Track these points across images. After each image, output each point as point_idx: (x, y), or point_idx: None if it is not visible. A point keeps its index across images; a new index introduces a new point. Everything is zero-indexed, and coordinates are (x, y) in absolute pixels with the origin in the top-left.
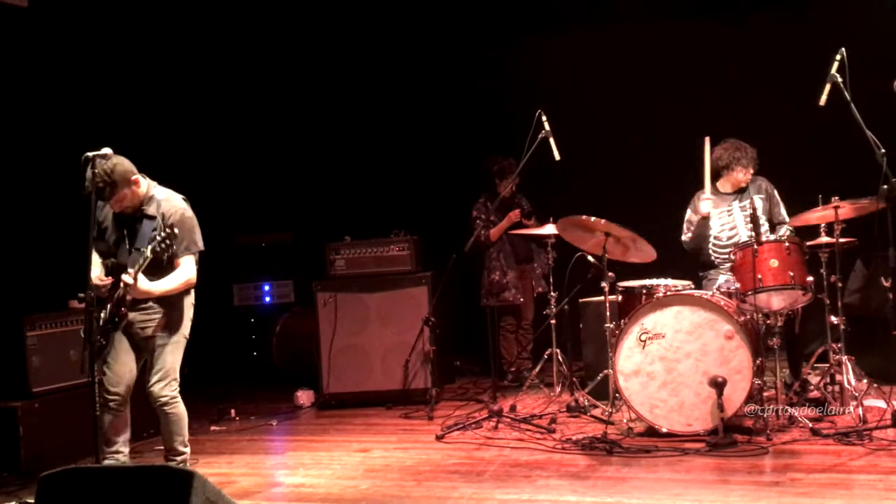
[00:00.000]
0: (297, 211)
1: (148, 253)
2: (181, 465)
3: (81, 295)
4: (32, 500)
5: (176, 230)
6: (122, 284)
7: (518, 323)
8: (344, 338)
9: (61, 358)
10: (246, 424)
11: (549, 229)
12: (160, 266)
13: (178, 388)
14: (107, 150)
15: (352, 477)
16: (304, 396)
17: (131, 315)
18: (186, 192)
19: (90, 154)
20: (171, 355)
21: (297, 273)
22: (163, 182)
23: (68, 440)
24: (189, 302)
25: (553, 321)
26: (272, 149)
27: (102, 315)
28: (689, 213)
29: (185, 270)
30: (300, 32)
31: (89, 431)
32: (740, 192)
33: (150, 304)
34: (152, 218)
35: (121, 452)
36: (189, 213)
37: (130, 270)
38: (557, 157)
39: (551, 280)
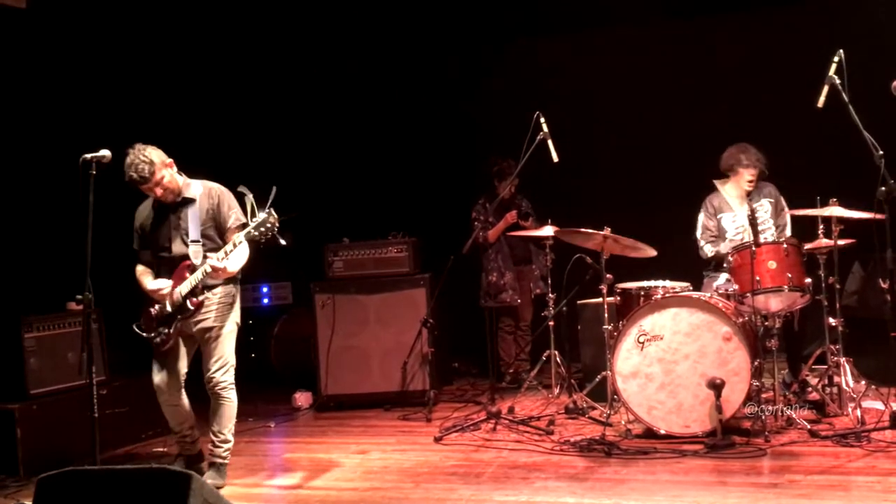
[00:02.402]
0: (296, 212)
1: (241, 238)
2: (227, 452)
3: (79, 297)
4: (30, 503)
5: (230, 207)
6: (203, 271)
7: (516, 324)
8: (342, 339)
9: (59, 360)
10: (244, 426)
11: (548, 231)
12: (212, 242)
13: (234, 377)
14: (105, 153)
15: (350, 479)
16: (303, 398)
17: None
18: None
19: (88, 156)
20: (229, 343)
21: (295, 274)
22: None
23: (66, 442)
24: (237, 291)
25: (551, 323)
26: (270, 150)
27: (158, 310)
28: (702, 218)
29: (244, 245)
30: (298, 35)
31: (87, 433)
32: (750, 194)
33: (207, 294)
34: (192, 202)
35: (187, 435)
36: (226, 190)
37: (212, 255)
38: (556, 158)
39: (549, 281)
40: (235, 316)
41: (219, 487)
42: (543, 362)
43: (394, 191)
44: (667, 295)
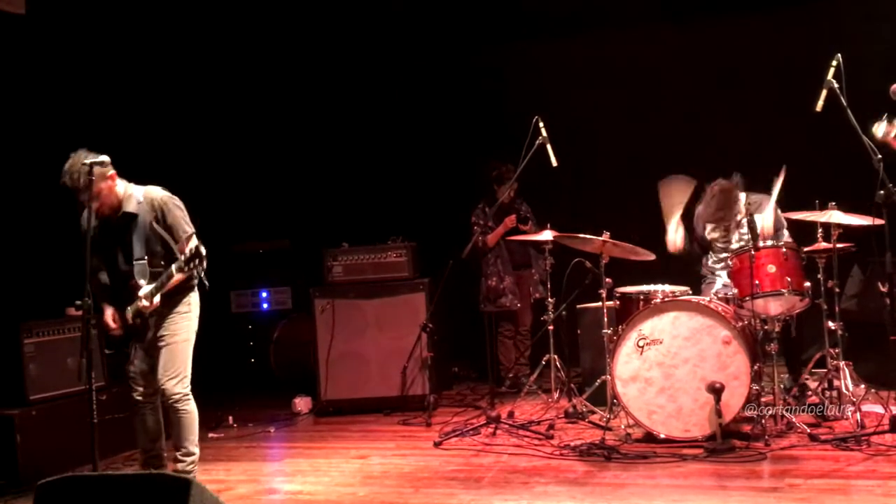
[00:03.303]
0: (295, 218)
1: (174, 270)
2: (192, 465)
3: (78, 302)
4: None
5: (176, 218)
6: (140, 304)
7: (516, 329)
8: (341, 344)
9: (58, 365)
10: (244, 431)
11: (547, 235)
12: (157, 259)
13: (190, 387)
14: (104, 158)
15: (350, 484)
16: (302, 403)
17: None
18: (184, 199)
19: (87, 161)
20: (182, 353)
21: (294, 280)
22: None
23: (66, 448)
24: (195, 300)
25: (551, 327)
26: (269, 156)
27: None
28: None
29: (172, 267)
30: (297, 41)
31: (87, 439)
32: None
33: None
34: (134, 217)
35: (151, 449)
36: (174, 197)
37: (145, 290)
38: (554, 163)
39: (549, 286)
40: (192, 324)
41: None
42: (543, 367)
43: (393, 195)
44: (666, 299)
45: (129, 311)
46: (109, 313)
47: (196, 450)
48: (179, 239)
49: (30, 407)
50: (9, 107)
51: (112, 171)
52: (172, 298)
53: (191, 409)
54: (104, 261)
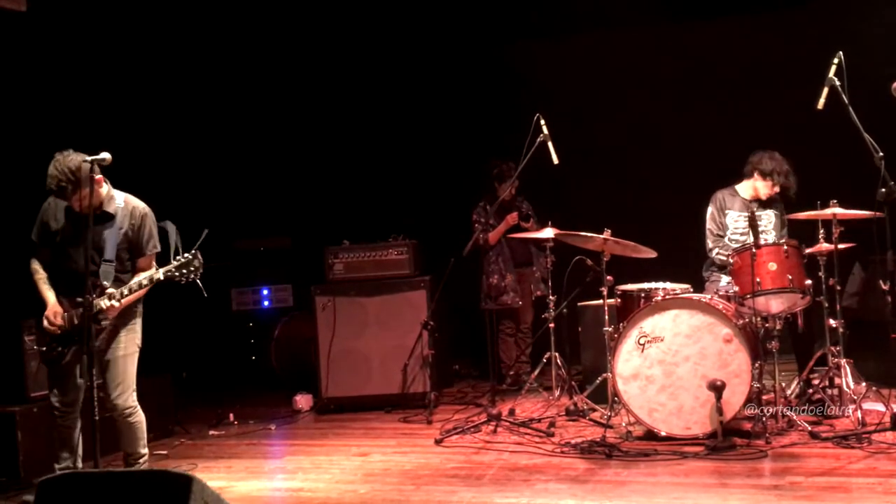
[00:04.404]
0: (296, 215)
1: (160, 275)
2: (145, 464)
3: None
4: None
5: (150, 233)
6: (103, 305)
7: (517, 326)
8: (342, 342)
9: None
10: (245, 429)
11: (548, 233)
12: (122, 265)
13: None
14: (105, 155)
15: (351, 481)
16: (303, 400)
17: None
18: (186, 197)
19: (89, 159)
20: (131, 366)
21: (295, 277)
22: (162, 188)
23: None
24: (140, 311)
25: (552, 325)
26: (271, 154)
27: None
28: (711, 210)
29: (152, 272)
30: (298, 39)
31: (88, 436)
32: (760, 202)
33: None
34: (111, 218)
35: (69, 467)
36: (151, 213)
37: (112, 290)
38: (556, 160)
39: (550, 283)
40: (136, 338)
41: None
42: (544, 364)
43: (394, 193)
44: (667, 297)
45: (80, 312)
46: (57, 309)
47: (145, 450)
48: (146, 253)
49: (31, 404)
50: (9, 104)
51: (100, 176)
52: (127, 311)
53: (141, 416)
54: (60, 256)
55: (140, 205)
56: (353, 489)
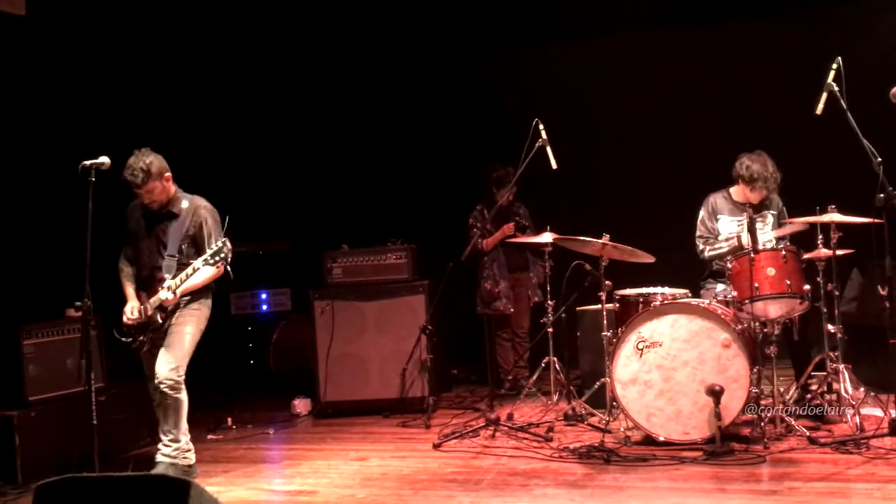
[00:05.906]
0: (296, 219)
1: (199, 264)
2: (177, 452)
3: (78, 304)
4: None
5: (210, 231)
6: (162, 297)
7: (513, 332)
8: (341, 346)
9: (58, 366)
10: (243, 433)
11: (546, 238)
12: (186, 259)
13: (184, 377)
14: (104, 159)
15: (349, 486)
16: (301, 405)
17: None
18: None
19: (87, 163)
20: (185, 342)
21: (294, 281)
22: None
23: (65, 449)
24: (208, 304)
25: (550, 330)
26: (270, 158)
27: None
28: (702, 215)
29: (195, 262)
30: (298, 43)
31: (86, 440)
32: (754, 205)
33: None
34: (176, 216)
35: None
36: (215, 211)
37: (170, 282)
38: (554, 165)
39: (548, 289)
40: (200, 322)
41: None
42: (542, 369)
43: (393, 198)
44: (666, 302)
45: (151, 303)
46: (134, 303)
47: (183, 438)
48: (207, 249)
49: (29, 408)
50: (9, 108)
51: (168, 173)
52: (190, 297)
53: (181, 397)
54: (135, 253)
55: (204, 205)
56: (351, 493)
